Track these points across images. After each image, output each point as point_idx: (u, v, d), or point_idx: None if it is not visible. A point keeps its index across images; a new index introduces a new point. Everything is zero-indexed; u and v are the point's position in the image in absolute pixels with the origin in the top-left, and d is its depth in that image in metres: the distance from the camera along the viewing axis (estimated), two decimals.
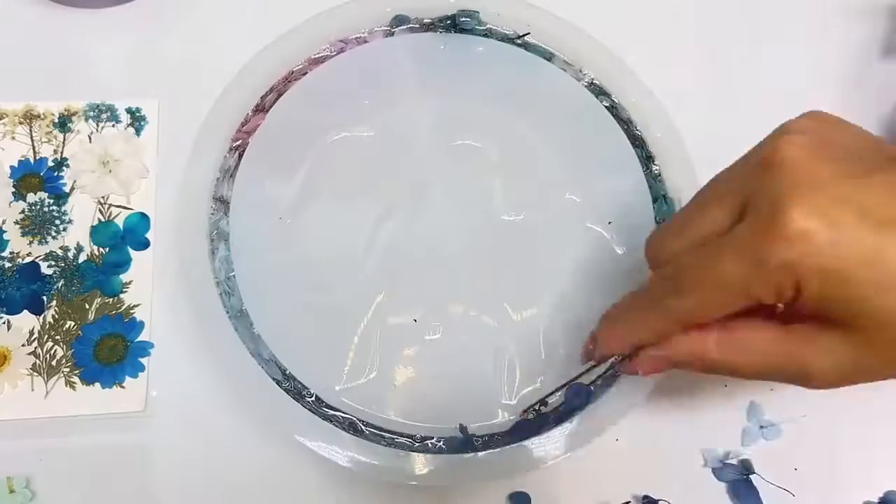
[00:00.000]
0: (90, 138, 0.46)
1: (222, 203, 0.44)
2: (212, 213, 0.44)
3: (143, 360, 0.42)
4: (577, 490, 0.44)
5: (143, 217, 0.45)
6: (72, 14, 0.48)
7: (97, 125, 0.46)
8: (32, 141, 0.45)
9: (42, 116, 0.46)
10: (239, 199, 0.44)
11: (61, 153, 0.45)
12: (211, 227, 0.44)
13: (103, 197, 0.45)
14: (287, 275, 0.44)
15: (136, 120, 0.46)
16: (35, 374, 0.41)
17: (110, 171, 0.45)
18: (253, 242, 0.44)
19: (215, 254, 0.43)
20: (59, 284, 0.43)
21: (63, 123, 0.46)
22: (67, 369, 0.41)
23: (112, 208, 0.45)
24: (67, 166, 0.45)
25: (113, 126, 0.46)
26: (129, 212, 0.45)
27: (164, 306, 0.44)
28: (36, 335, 0.42)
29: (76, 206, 0.45)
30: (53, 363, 0.41)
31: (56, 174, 0.45)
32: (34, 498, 0.40)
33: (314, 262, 0.44)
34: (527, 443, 0.42)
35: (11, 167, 0.45)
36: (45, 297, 0.43)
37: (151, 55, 0.48)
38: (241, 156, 0.45)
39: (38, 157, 0.45)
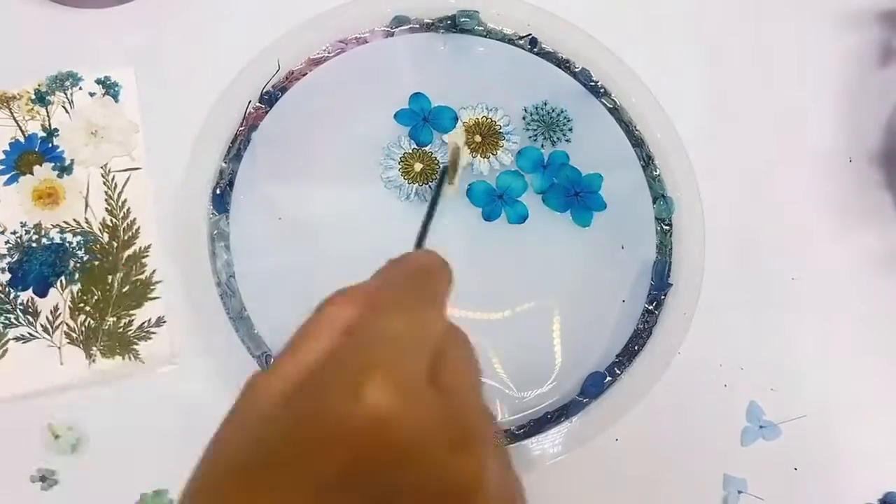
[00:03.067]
0: (66, 109, 0.46)
1: (223, 204, 0.44)
2: (212, 215, 0.44)
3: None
4: (577, 490, 0.44)
5: None
6: (72, 14, 0.48)
7: (66, 94, 0.46)
8: (16, 121, 0.46)
9: (18, 96, 0.46)
10: (239, 200, 0.44)
11: (49, 125, 0.46)
12: (211, 228, 0.44)
13: (104, 167, 0.45)
14: (287, 275, 0.44)
15: (109, 87, 0.47)
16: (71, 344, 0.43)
17: (102, 137, 0.45)
18: (253, 243, 0.44)
19: (216, 255, 0.43)
20: (85, 259, 0.44)
21: (41, 98, 0.46)
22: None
23: (117, 175, 0.46)
24: (58, 135, 0.46)
25: (80, 89, 0.47)
26: (135, 171, 0.46)
27: (165, 307, 0.44)
28: (68, 308, 0.44)
29: (83, 181, 0.45)
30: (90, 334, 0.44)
31: (51, 146, 0.46)
32: (80, 442, 0.42)
33: (314, 262, 0.44)
34: (526, 442, 0.42)
35: (5, 151, 0.45)
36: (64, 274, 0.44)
37: (151, 56, 0.48)
38: (241, 157, 0.45)
39: (27, 135, 0.46)
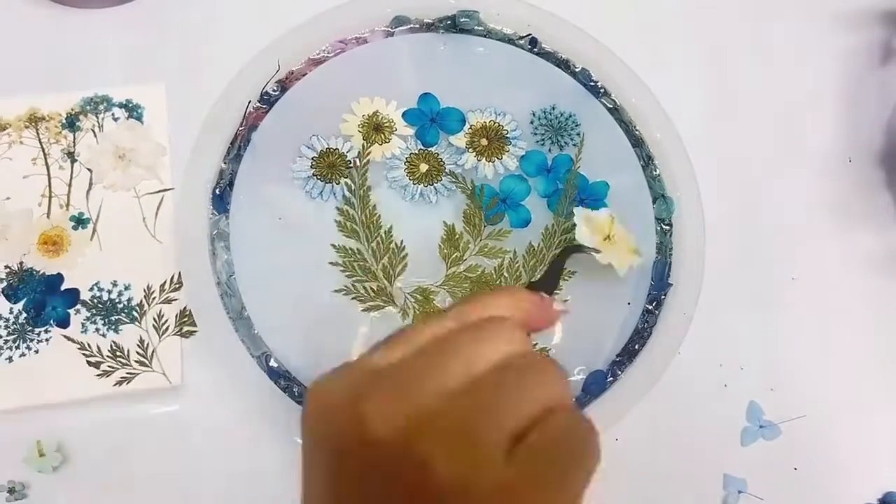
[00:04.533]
0: (94, 133, 0.46)
1: (223, 204, 0.44)
2: (212, 215, 0.44)
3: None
4: None
5: None
6: (72, 14, 0.48)
7: (97, 117, 0.46)
8: (41, 143, 0.45)
9: (48, 118, 0.46)
10: (239, 200, 0.44)
11: (74, 149, 0.45)
12: (211, 228, 0.44)
13: (136, 189, 0.45)
14: (287, 275, 0.44)
15: (132, 110, 0.46)
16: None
17: (130, 160, 0.45)
18: (253, 243, 0.44)
19: (216, 255, 0.43)
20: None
21: (72, 123, 0.46)
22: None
23: (148, 197, 0.45)
24: (79, 159, 0.45)
25: (111, 115, 0.46)
26: (167, 192, 0.45)
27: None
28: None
29: (111, 206, 0.45)
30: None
31: None
32: (65, 461, 0.41)
33: (314, 263, 0.44)
34: None
35: None
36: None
37: (152, 56, 0.48)
38: (241, 157, 0.45)
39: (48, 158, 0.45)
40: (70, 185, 0.45)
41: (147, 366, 0.43)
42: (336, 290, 0.43)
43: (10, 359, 0.42)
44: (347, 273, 0.44)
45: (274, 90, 0.46)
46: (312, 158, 0.45)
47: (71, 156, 0.45)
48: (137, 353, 0.43)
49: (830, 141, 0.51)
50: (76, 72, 0.47)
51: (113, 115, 0.46)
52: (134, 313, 0.43)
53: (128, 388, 0.42)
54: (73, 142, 0.45)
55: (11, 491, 0.41)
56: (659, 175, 0.47)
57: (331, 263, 0.44)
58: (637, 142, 0.48)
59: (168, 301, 0.44)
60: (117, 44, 0.48)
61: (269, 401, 0.41)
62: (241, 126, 0.46)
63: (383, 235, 0.45)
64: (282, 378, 0.42)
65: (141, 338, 0.43)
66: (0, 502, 0.41)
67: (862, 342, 0.48)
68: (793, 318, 0.48)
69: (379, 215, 0.45)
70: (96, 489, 0.41)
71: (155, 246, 0.44)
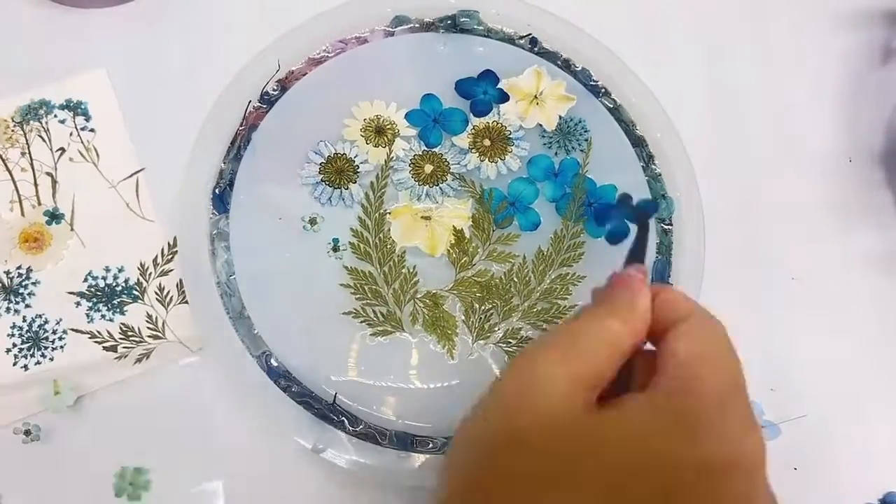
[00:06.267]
0: (42, 138, 0.45)
1: (222, 204, 0.44)
2: (212, 214, 0.44)
3: None
4: None
5: None
6: (72, 14, 0.48)
7: (42, 123, 0.46)
8: None
9: None
10: (239, 200, 0.44)
11: (30, 152, 0.45)
12: (211, 228, 0.44)
13: (108, 179, 0.45)
14: (287, 275, 0.44)
15: (75, 108, 0.46)
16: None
17: (87, 159, 0.45)
18: (253, 243, 0.44)
19: (216, 255, 0.43)
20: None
21: (22, 124, 0.46)
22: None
23: (124, 183, 0.45)
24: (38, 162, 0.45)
25: (55, 119, 0.46)
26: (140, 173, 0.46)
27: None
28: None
29: (84, 202, 0.45)
30: None
31: None
32: (78, 401, 0.42)
33: (314, 262, 0.44)
34: None
35: None
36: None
37: (151, 56, 0.48)
38: (241, 157, 0.45)
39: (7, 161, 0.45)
40: (36, 185, 0.45)
41: (161, 337, 0.43)
42: (345, 313, 0.43)
43: (38, 362, 0.43)
44: (358, 296, 0.44)
45: (274, 90, 0.46)
46: (321, 164, 0.45)
47: (29, 157, 0.45)
48: (148, 328, 0.43)
49: (830, 141, 0.51)
50: (78, 75, 0.47)
51: (56, 118, 0.46)
52: (134, 292, 0.44)
53: (149, 363, 0.43)
54: (27, 143, 0.45)
55: (27, 433, 0.41)
56: (659, 175, 0.47)
57: (341, 285, 0.44)
58: (637, 142, 0.48)
59: (165, 273, 0.44)
60: (116, 44, 0.48)
61: (269, 401, 0.41)
62: (241, 126, 0.46)
63: (396, 260, 0.45)
64: (282, 378, 0.42)
65: (148, 313, 0.44)
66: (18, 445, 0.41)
67: (862, 342, 0.48)
68: (793, 318, 0.48)
69: (393, 240, 0.45)
70: (112, 434, 0.42)
71: (145, 225, 0.45)
